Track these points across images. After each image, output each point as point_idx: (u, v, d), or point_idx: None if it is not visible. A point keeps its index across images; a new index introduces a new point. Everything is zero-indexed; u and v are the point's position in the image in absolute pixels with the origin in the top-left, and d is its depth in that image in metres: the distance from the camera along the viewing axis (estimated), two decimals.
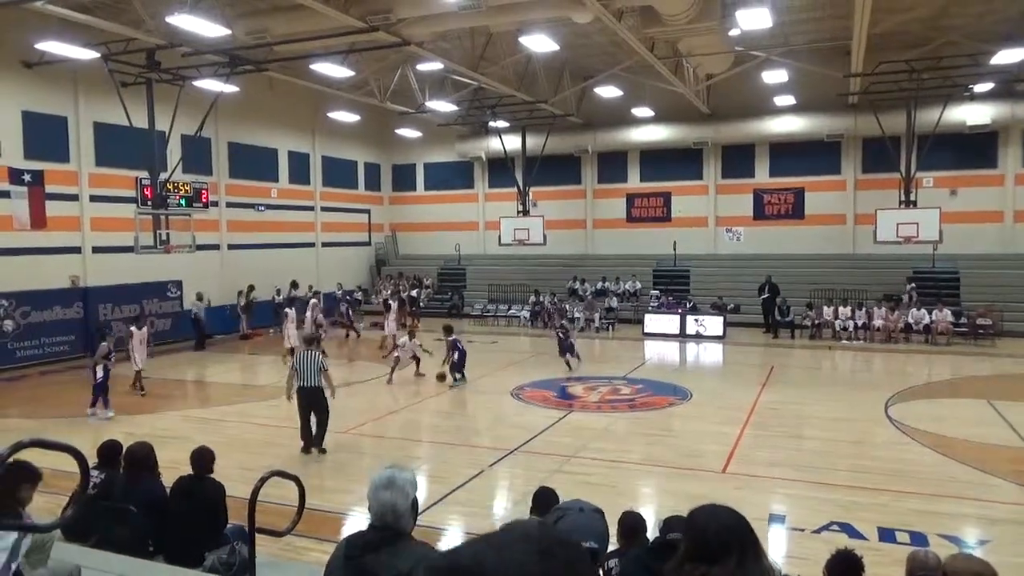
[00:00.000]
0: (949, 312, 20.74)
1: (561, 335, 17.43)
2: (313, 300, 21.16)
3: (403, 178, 32.22)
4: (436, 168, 31.43)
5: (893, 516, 7.96)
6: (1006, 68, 19.40)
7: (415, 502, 2.88)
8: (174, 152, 18.98)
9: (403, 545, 2.80)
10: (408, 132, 29.07)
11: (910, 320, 21.01)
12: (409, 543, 2.81)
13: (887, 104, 21.22)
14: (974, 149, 23.47)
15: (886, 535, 7.46)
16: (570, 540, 1.12)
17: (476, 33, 18.98)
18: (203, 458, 5.80)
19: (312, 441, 10.56)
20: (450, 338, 15.45)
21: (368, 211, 31.13)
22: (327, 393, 10.58)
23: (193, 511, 5.41)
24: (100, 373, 12.83)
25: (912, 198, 20.61)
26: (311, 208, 27.73)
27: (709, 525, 2.28)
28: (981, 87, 21.12)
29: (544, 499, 4.73)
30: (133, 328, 14.98)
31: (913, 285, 22.82)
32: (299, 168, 27.16)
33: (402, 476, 2.86)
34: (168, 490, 5.66)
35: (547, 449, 10.70)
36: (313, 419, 10.56)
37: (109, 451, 5.81)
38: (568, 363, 17.02)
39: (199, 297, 21.24)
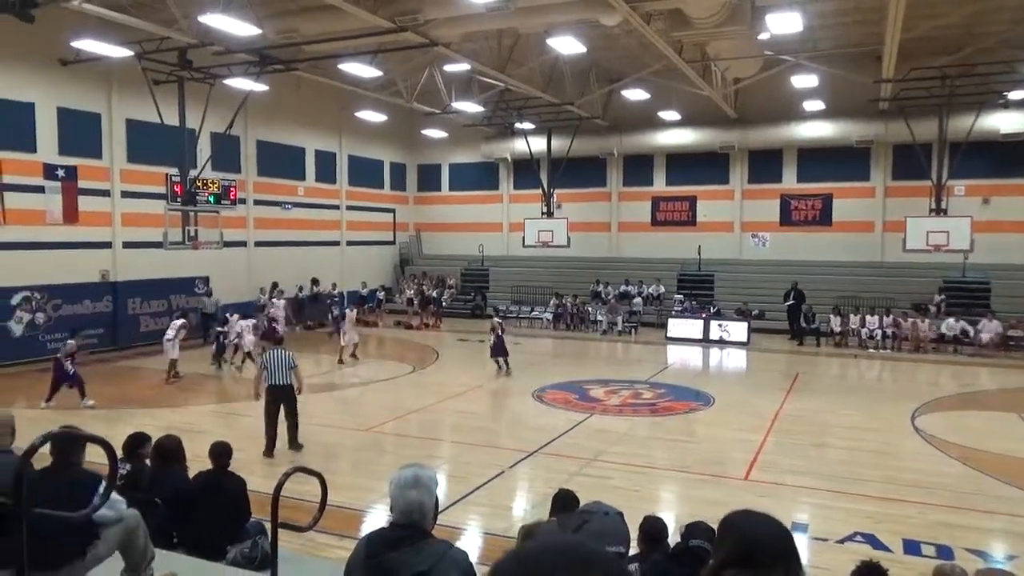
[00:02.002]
0: (999, 323, 20.24)
1: (496, 336, 16.85)
2: (275, 301, 21.18)
3: (428, 178, 32.34)
4: (461, 169, 31.51)
5: (918, 528, 7.84)
6: None
7: (437, 500, 2.89)
8: (204, 150, 19.20)
9: (424, 543, 2.81)
10: (434, 132, 29.18)
11: (943, 330, 20.60)
12: (429, 541, 2.82)
13: (918, 110, 20.89)
14: (1008, 157, 23.01)
15: (911, 547, 7.35)
16: (604, 552, 1.11)
17: (503, 34, 19.01)
18: (222, 452, 5.87)
19: (281, 442, 10.45)
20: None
21: (393, 210, 31.29)
22: (295, 390, 10.67)
23: (216, 505, 5.48)
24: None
25: (943, 206, 20.28)
26: (337, 207, 27.94)
27: (756, 531, 2.17)
28: (1016, 94, 20.71)
29: (564, 502, 4.72)
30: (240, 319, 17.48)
31: (943, 295, 22.46)
32: (325, 167, 27.38)
33: (426, 475, 2.88)
34: (191, 484, 5.74)
35: (568, 451, 10.68)
36: (283, 419, 10.54)
37: (135, 442, 5.89)
38: (499, 364, 16.79)
39: (208, 293, 21.48)
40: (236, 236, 22.54)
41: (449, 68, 21.64)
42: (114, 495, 3.74)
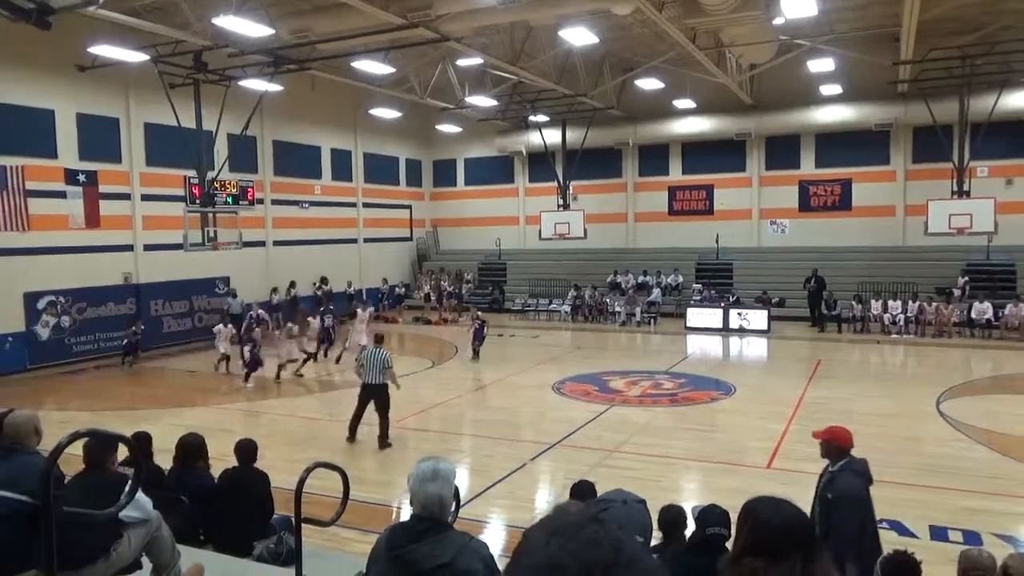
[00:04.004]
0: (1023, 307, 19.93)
1: (478, 326, 17.98)
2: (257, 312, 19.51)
3: (444, 173, 32.39)
4: (476, 163, 31.52)
5: (945, 514, 7.77)
6: None
7: (456, 493, 2.91)
8: (221, 151, 19.37)
9: (444, 535, 2.84)
10: (448, 128, 29.20)
11: (973, 315, 20.29)
12: (450, 533, 2.84)
13: (938, 92, 20.57)
14: None
15: (938, 533, 7.29)
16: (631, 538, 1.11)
17: (515, 27, 18.95)
18: (247, 450, 5.94)
19: (363, 432, 10.83)
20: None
21: (409, 207, 31.38)
22: (393, 387, 10.86)
23: (241, 501, 5.54)
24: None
25: (965, 188, 19.97)
26: (353, 204, 28.06)
27: (774, 520, 2.17)
28: None
29: (582, 492, 4.74)
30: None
31: (967, 279, 22.16)
32: (341, 165, 27.50)
33: (445, 467, 2.90)
34: (215, 481, 5.81)
35: (589, 443, 10.68)
36: (372, 413, 10.79)
37: (140, 443, 5.91)
38: (475, 351, 17.80)
39: (233, 294, 21.71)
40: (254, 236, 22.70)
41: (462, 63, 21.62)
42: (140, 495, 3.80)
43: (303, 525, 4.92)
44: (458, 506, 5.55)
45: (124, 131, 19.60)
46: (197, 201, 17.74)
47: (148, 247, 20.08)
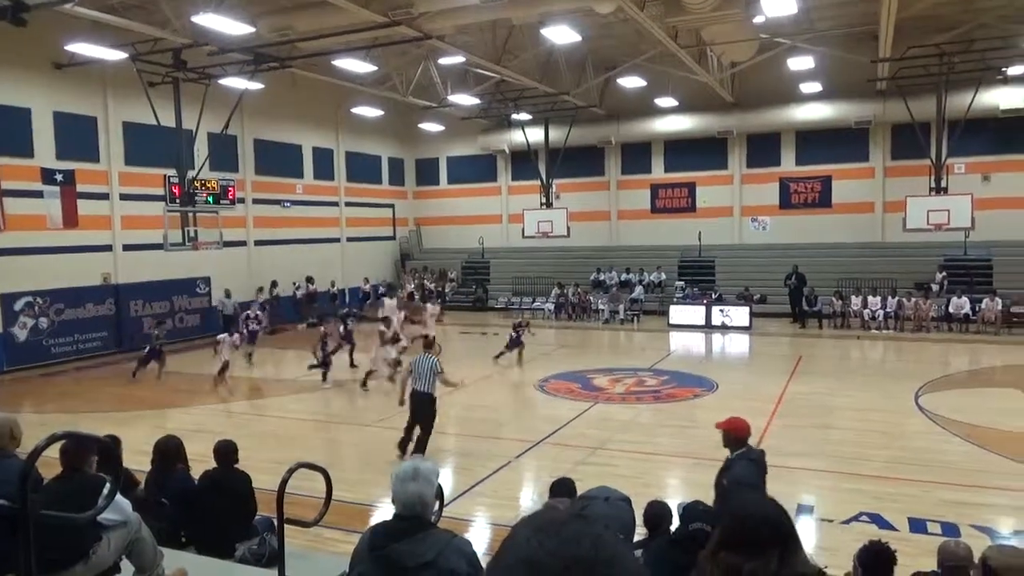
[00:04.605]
0: (1000, 301, 20.23)
1: (515, 334, 16.86)
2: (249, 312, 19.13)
3: (426, 172, 32.31)
4: (459, 162, 31.47)
5: (924, 507, 7.87)
6: None
7: (439, 491, 2.91)
8: (201, 150, 19.22)
9: (427, 534, 2.84)
10: (431, 126, 29.14)
11: (951, 309, 20.56)
12: (432, 532, 2.84)
13: (916, 89, 20.78)
14: (1008, 133, 22.91)
15: (917, 526, 7.38)
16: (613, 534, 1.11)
17: (497, 26, 18.94)
18: (226, 451, 5.90)
19: (412, 446, 9.84)
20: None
21: (392, 206, 31.27)
22: (450, 383, 10.49)
23: (222, 503, 5.51)
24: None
25: (943, 184, 20.21)
26: (335, 203, 27.93)
27: (751, 514, 2.20)
28: (1014, 70, 20.59)
29: (561, 490, 4.76)
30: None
31: (944, 273, 22.44)
32: (323, 164, 27.36)
33: (425, 467, 2.90)
34: (196, 483, 5.77)
35: (573, 441, 10.71)
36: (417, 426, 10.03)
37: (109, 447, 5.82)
38: (519, 355, 16.68)
39: (227, 294, 21.57)
40: (236, 235, 22.56)
41: (444, 61, 21.58)
42: (119, 497, 3.77)
43: (286, 526, 4.90)
44: (442, 505, 5.55)
45: (102, 130, 19.39)
46: (177, 200, 17.58)
47: (127, 247, 19.88)
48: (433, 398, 9.95)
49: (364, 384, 14.41)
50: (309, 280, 25.11)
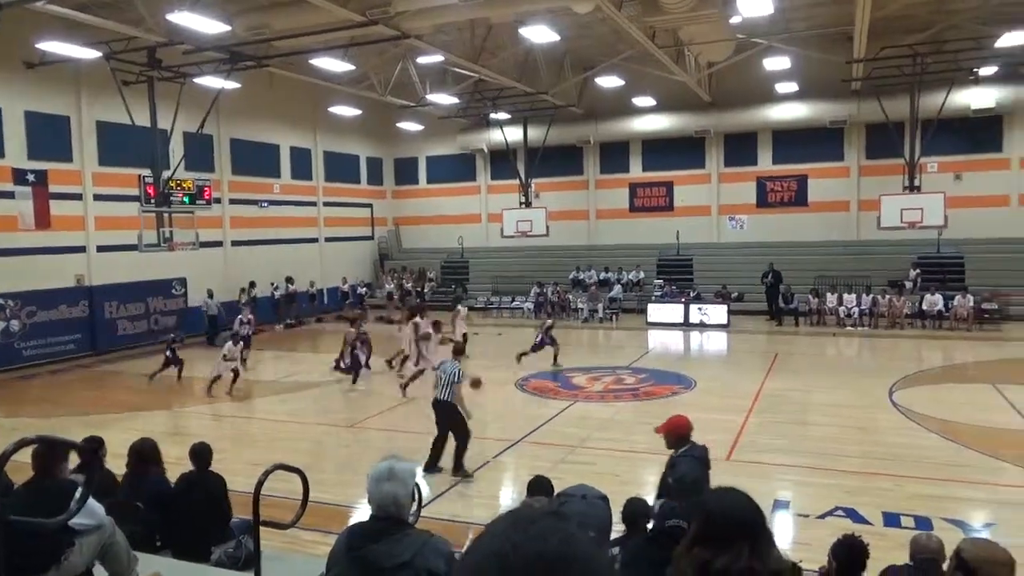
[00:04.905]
0: (972, 298, 20.56)
1: (542, 337, 16.67)
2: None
3: (405, 172, 32.21)
4: (438, 161, 31.42)
5: (898, 501, 7.98)
6: (1010, 51, 19.24)
7: (415, 492, 2.91)
8: (176, 150, 18.99)
9: (403, 534, 2.84)
10: (409, 125, 29.05)
11: (924, 306, 20.87)
12: (409, 532, 2.84)
13: (890, 89, 21.06)
14: (979, 133, 23.33)
15: (890, 520, 7.48)
16: (584, 531, 1.12)
17: (476, 25, 18.92)
18: (202, 454, 5.85)
19: (437, 459, 9.44)
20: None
21: (371, 205, 31.14)
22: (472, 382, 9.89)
23: (197, 506, 5.46)
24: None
25: (916, 183, 20.50)
26: (314, 203, 27.76)
27: (722, 510, 2.23)
28: (985, 70, 20.95)
29: (538, 488, 4.78)
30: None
31: (918, 271, 22.77)
32: (301, 163, 27.19)
33: (401, 467, 2.89)
34: (172, 486, 5.72)
35: (552, 439, 10.73)
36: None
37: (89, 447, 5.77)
38: (555, 355, 16.55)
39: (210, 295, 21.43)
40: (212, 236, 22.33)
41: (422, 60, 21.52)
42: (92, 502, 3.72)
43: (263, 528, 4.87)
44: (420, 505, 5.55)
45: (75, 129, 19.12)
46: (152, 201, 17.37)
47: (101, 248, 19.62)
48: (453, 405, 9.31)
49: (404, 389, 13.77)
50: (289, 280, 24.95)
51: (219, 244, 23.32)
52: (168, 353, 15.51)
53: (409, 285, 27.46)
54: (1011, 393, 12.78)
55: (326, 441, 11.42)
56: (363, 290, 27.96)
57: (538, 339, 16.67)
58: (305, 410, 13.37)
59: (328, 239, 28.34)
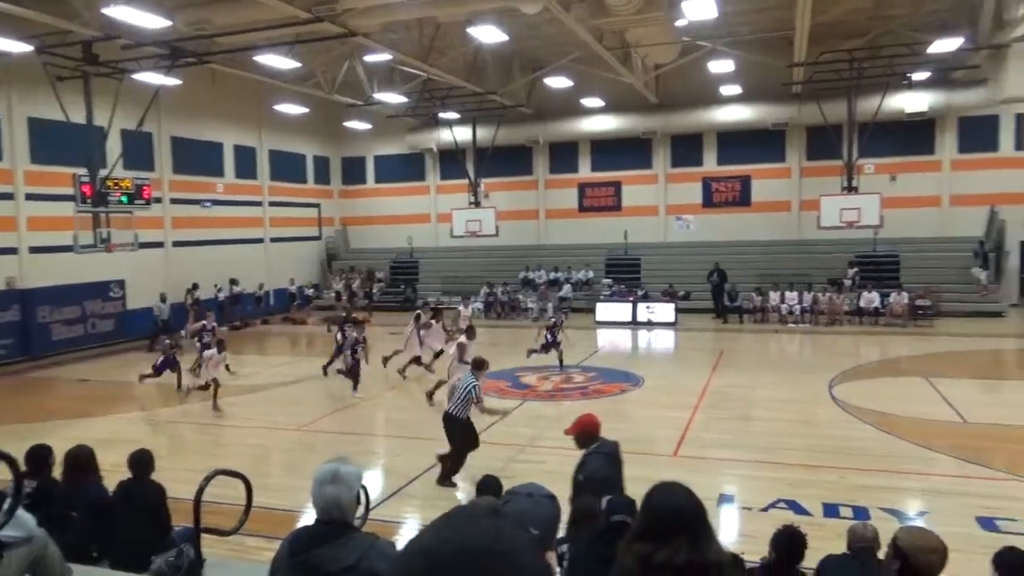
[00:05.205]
0: (907, 295, 21.34)
1: (550, 336, 16.26)
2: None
3: (353, 171, 31.86)
4: (386, 161, 31.16)
5: (837, 492, 8.22)
6: (941, 57, 19.98)
7: (360, 495, 2.87)
8: (114, 148, 18.41)
9: (348, 537, 2.80)
10: (357, 124, 28.72)
11: (862, 303, 21.58)
12: (354, 535, 2.81)
13: (829, 93, 21.68)
14: (912, 136, 24.20)
15: (830, 511, 7.70)
16: (519, 528, 1.13)
17: (424, 24, 18.82)
18: (141, 461, 5.68)
19: (452, 472, 9.03)
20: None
21: (318, 205, 30.70)
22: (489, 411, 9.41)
23: (135, 514, 5.31)
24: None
25: (854, 184, 21.15)
26: (259, 203, 27.24)
27: (662, 504, 2.25)
28: (918, 76, 21.73)
29: (487, 488, 4.79)
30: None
31: (856, 269, 23.50)
32: (245, 162, 26.64)
33: (346, 470, 2.85)
34: (109, 494, 5.54)
35: (502, 439, 10.73)
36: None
37: (37, 456, 5.57)
38: (559, 357, 16.15)
39: (163, 299, 21.01)
40: (153, 237, 21.74)
41: (370, 58, 21.29)
42: (21, 513, 3.57)
43: (207, 536, 4.76)
44: (367, 508, 5.49)
45: (5, 127, 18.38)
46: (88, 201, 16.79)
47: (34, 249, 18.89)
48: (456, 418, 8.95)
49: (430, 398, 13.13)
50: (233, 282, 24.43)
51: (160, 245, 22.70)
52: (163, 359, 14.52)
53: (356, 285, 27.17)
54: (942, 386, 13.30)
55: (272, 445, 11.22)
56: (311, 291, 27.56)
57: (548, 338, 16.13)
58: (251, 414, 13.10)
59: (274, 239, 27.84)
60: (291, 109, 25.41)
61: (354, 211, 31.91)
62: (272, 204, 27.80)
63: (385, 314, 25.91)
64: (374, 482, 9.22)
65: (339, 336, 15.53)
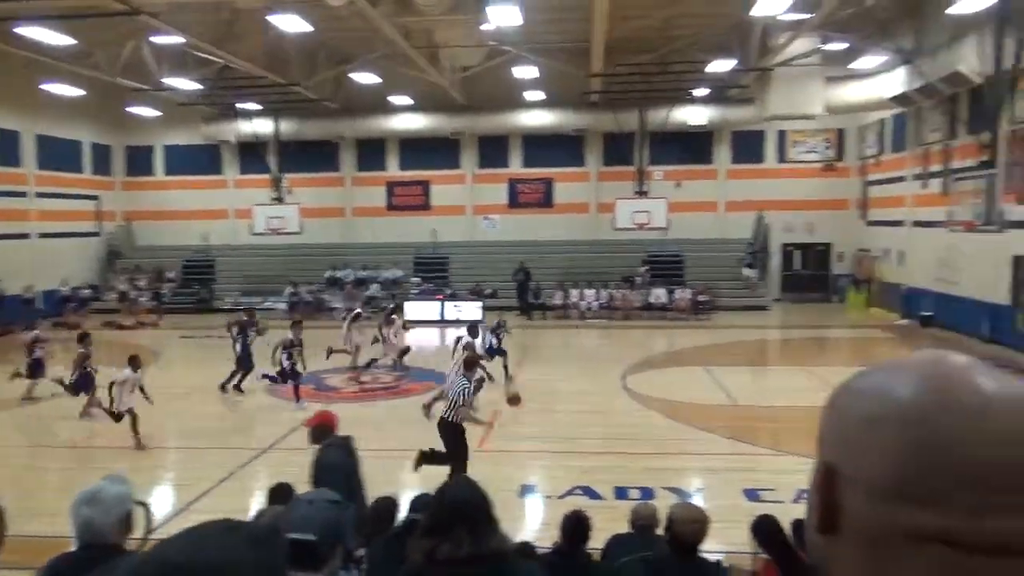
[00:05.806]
0: (690, 292, 23.31)
1: (496, 340, 14.96)
2: None
3: (139, 161, 29.22)
4: (178, 151, 28.92)
5: (627, 476, 8.81)
6: (719, 76, 22.06)
7: (125, 518, 2.64)
8: None
9: (116, 560, 2.56)
10: (143, 111, 26.36)
11: (651, 299, 23.32)
12: (117, 558, 2.57)
13: (623, 103, 23.21)
14: (695, 146, 26.53)
15: (621, 493, 8.24)
16: (274, 532, 1.09)
17: (220, 7, 17.68)
18: None
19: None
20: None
21: (97, 197, 27.82)
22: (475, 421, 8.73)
23: None
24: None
25: (645, 189, 22.82)
26: (23, 194, 24.17)
27: (443, 500, 2.31)
28: (699, 92, 23.84)
29: (278, 496, 4.61)
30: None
31: (647, 267, 25.36)
32: (6, 148, 23.53)
33: (110, 490, 2.62)
34: None
35: (303, 444, 10.31)
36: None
37: None
38: (504, 367, 14.74)
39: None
40: None
41: (158, 40, 19.63)
42: None
43: None
44: (149, 527, 5.06)
45: None
46: None
47: None
48: (455, 426, 8.41)
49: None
50: None
51: None
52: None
53: (142, 284, 25.02)
54: (718, 374, 14.71)
55: (39, 465, 10.04)
56: (87, 292, 24.95)
57: (495, 343, 14.72)
58: (19, 432, 11.63)
59: (43, 235, 24.84)
60: (65, 90, 22.78)
61: (140, 205, 29.30)
62: (40, 195, 24.78)
63: (178, 316, 24.11)
64: (161, 497, 8.56)
65: (237, 345, 13.81)
